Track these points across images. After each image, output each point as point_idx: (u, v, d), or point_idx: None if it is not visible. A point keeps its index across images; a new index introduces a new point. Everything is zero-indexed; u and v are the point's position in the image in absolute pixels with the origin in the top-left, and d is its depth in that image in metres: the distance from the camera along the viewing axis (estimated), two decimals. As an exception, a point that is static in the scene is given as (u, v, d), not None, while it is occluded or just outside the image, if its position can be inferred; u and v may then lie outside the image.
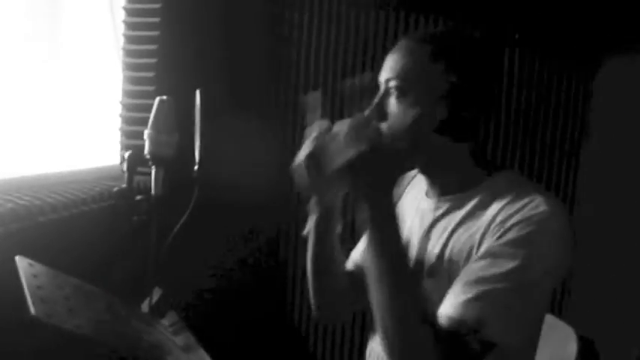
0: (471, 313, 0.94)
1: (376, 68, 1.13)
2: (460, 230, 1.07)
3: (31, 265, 1.02)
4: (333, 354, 2.05)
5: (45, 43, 2.19)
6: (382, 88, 1.11)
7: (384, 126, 1.08)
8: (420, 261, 1.12)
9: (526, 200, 1.00)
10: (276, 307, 2.06)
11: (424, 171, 1.16)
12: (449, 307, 0.96)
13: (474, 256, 1.00)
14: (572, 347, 1.17)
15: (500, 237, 0.98)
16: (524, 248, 0.95)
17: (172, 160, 1.26)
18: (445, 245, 1.08)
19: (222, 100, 1.85)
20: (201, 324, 1.27)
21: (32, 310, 0.86)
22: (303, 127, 1.11)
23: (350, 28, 1.95)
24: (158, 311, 1.25)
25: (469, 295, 0.95)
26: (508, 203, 1.01)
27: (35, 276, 0.98)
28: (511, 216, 0.99)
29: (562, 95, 1.94)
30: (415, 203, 1.23)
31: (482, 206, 1.05)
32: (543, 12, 1.86)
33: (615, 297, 1.82)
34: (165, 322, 1.21)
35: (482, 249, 0.99)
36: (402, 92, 1.07)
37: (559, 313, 1.91)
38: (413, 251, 1.14)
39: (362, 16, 1.95)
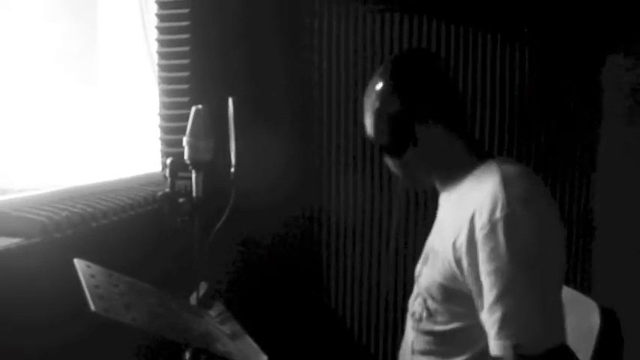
0: (505, 345, 0.94)
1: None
2: (444, 225, 1.12)
3: (88, 266, 1.05)
4: (369, 337, 2.05)
5: (84, 64, 2.25)
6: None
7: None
8: (426, 251, 1.20)
9: (484, 203, 0.99)
10: (314, 296, 2.06)
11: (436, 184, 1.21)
12: (492, 348, 0.96)
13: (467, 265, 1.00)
14: (595, 318, 1.16)
15: (471, 251, 0.99)
16: (496, 260, 0.95)
17: (210, 164, 1.28)
18: (436, 237, 1.15)
19: (248, 108, 1.87)
20: (244, 313, 1.29)
21: (92, 306, 0.89)
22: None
23: (372, 34, 1.95)
24: (205, 303, 1.27)
25: (494, 332, 0.95)
26: (474, 204, 1.01)
27: (93, 276, 1.01)
28: (473, 222, 0.99)
29: (573, 89, 1.89)
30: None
31: (462, 203, 1.07)
32: (552, 5, 1.83)
33: (636, 266, 1.80)
34: (213, 312, 1.23)
35: (480, 262, 0.98)
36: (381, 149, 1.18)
37: (580, 285, 1.89)
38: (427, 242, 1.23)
39: (385, 21, 1.94)
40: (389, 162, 1.21)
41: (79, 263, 1.03)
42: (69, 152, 1.95)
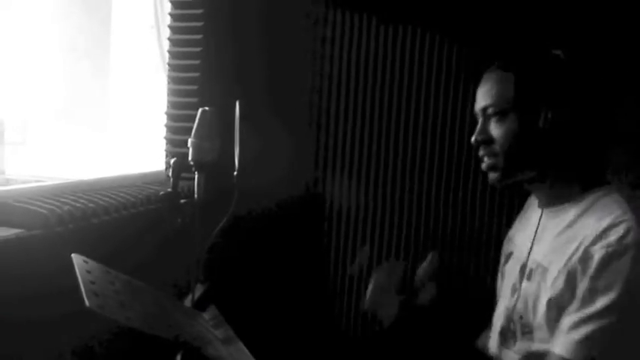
0: (580, 354, 1.00)
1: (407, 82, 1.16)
2: (554, 242, 1.15)
3: (85, 262, 1.05)
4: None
5: (97, 59, 2.27)
6: (480, 117, 1.23)
7: (495, 148, 1.19)
8: (524, 264, 1.22)
9: (612, 223, 1.04)
10: (315, 305, 2.06)
11: (532, 184, 1.24)
12: (560, 347, 1.03)
13: (576, 288, 1.05)
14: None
15: (586, 264, 1.04)
16: (614, 279, 1.00)
17: (214, 166, 1.29)
18: (543, 254, 1.17)
19: (260, 110, 1.88)
20: (239, 318, 1.29)
21: (87, 302, 0.89)
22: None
23: (384, 45, 1.96)
24: (200, 306, 1.28)
25: (576, 337, 1.02)
26: (595, 224, 1.06)
27: (89, 272, 1.02)
28: (596, 240, 1.04)
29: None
30: (527, 215, 1.34)
31: (576, 223, 1.12)
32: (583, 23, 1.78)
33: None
34: (206, 316, 1.23)
35: (578, 280, 1.05)
36: (501, 114, 1.17)
37: None
38: (522, 255, 1.25)
39: (398, 32, 1.94)
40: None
41: (76, 258, 1.04)
42: (76, 145, 1.97)
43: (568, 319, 1.04)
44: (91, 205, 1.38)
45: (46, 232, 1.22)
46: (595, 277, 1.02)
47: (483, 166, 1.24)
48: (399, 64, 1.95)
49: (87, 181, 1.61)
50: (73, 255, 1.04)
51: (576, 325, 1.02)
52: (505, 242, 1.41)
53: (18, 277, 1.10)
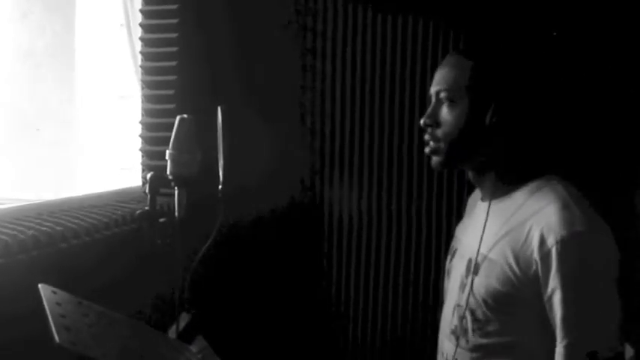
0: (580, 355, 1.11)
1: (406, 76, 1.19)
2: (500, 232, 1.25)
3: (54, 292, 1.05)
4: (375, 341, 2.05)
5: (61, 60, 2.27)
6: (433, 99, 1.33)
7: (438, 131, 1.30)
8: (470, 259, 1.31)
9: (559, 213, 1.16)
10: (314, 330, 2.06)
11: (476, 174, 1.36)
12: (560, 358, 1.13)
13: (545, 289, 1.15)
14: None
15: (545, 260, 1.14)
16: (573, 269, 1.12)
17: (195, 181, 1.29)
18: (488, 247, 1.26)
19: (246, 115, 1.89)
20: (230, 349, 1.29)
21: (57, 338, 0.89)
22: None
23: (382, 37, 1.97)
24: (186, 337, 1.28)
25: (565, 343, 1.12)
26: (542, 215, 1.18)
27: (58, 304, 1.02)
28: (548, 233, 1.15)
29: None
30: (471, 210, 1.48)
31: (518, 211, 1.24)
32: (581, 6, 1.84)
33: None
34: (194, 348, 1.23)
35: (541, 278, 1.15)
36: (453, 101, 1.28)
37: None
38: (467, 251, 1.35)
39: (395, 24, 1.96)
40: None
41: (43, 289, 1.04)
42: (40, 163, 1.97)
43: (555, 324, 1.14)
44: (58, 228, 1.38)
45: (8, 260, 1.21)
46: (557, 274, 1.13)
47: (427, 149, 1.35)
48: (400, 59, 1.96)
49: (53, 202, 1.61)
50: (40, 285, 1.05)
51: (562, 329, 1.13)
52: (452, 240, 1.51)
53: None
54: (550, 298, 1.14)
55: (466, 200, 1.58)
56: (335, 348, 2.05)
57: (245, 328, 1.94)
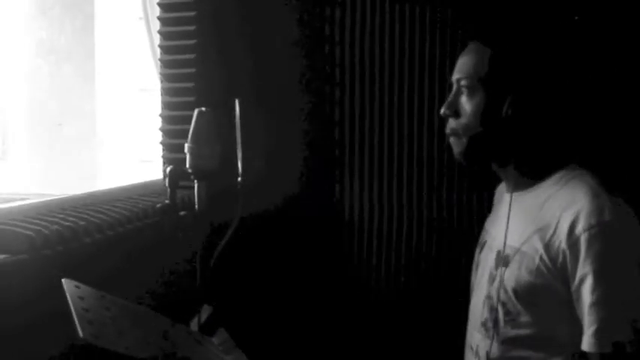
0: (607, 342, 1.11)
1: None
2: (529, 225, 1.24)
3: (77, 287, 1.07)
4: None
5: (81, 55, 2.29)
6: (454, 87, 1.32)
7: (457, 122, 1.30)
8: (499, 251, 1.31)
9: (588, 203, 1.15)
10: (333, 325, 2.07)
11: (499, 166, 1.35)
12: (589, 346, 1.13)
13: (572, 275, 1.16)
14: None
15: (575, 250, 1.14)
16: (603, 259, 1.12)
17: (215, 173, 1.30)
18: (519, 239, 1.25)
19: (265, 107, 1.89)
20: (252, 342, 1.30)
21: (80, 332, 0.91)
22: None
23: (399, 26, 1.96)
24: (207, 330, 1.29)
25: (591, 330, 1.12)
26: (572, 205, 1.17)
27: (82, 298, 1.04)
28: (575, 223, 1.14)
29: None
30: (498, 203, 1.48)
31: (547, 202, 1.24)
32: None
33: None
34: (215, 340, 1.25)
35: (569, 267, 1.15)
36: (471, 90, 1.27)
37: None
38: (495, 243, 1.35)
39: (413, 12, 1.94)
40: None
41: (67, 283, 1.06)
42: (62, 158, 1.99)
43: (582, 313, 1.14)
44: (81, 223, 1.40)
45: (33, 255, 1.23)
46: (586, 263, 1.12)
47: (450, 140, 1.34)
48: (419, 49, 1.95)
49: (76, 197, 1.63)
50: (63, 280, 1.06)
51: (590, 317, 1.12)
52: (481, 233, 1.51)
53: (3, 307, 1.12)
54: (578, 286, 1.14)
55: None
56: (357, 342, 2.05)
57: (266, 321, 1.96)
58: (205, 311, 1.33)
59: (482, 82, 1.26)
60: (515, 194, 1.33)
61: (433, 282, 1.99)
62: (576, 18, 1.82)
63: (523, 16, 1.80)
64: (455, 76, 1.32)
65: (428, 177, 1.97)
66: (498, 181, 1.48)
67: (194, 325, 1.31)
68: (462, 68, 1.30)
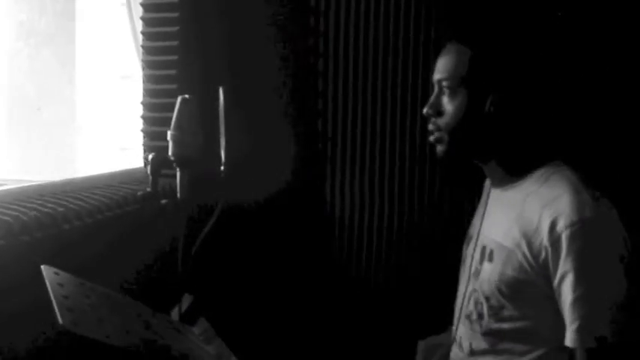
0: (589, 337, 1.12)
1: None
2: (513, 221, 1.26)
3: (56, 273, 1.06)
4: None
5: (62, 39, 2.26)
6: (436, 87, 1.34)
7: (440, 121, 1.31)
8: (484, 246, 1.34)
9: (569, 200, 1.17)
10: (315, 318, 2.07)
11: (482, 163, 1.38)
12: (572, 342, 1.14)
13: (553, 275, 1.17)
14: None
15: (556, 247, 1.15)
16: (584, 255, 1.13)
17: (197, 162, 1.30)
18: (503, 235, 1.28)
19: (249, 96, 1.88)
20: (232, 331, 1.30)
21: (60, 319, 0.90)
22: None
23: (388, 17, 1.95)
24: (188, 319, 1.29)
25: (575, 326, 1.13)
26: (553, 201, 1.19)
27: (61, 285, 1.03)
28: (557, 219, 1.16)
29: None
30: (484, 198, 1.48)
31: (529, 198, 1.25)
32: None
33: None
34: (196, 330, 1.24)
35: (551, 264, 1.17)
36: (453, 90, 1.29)
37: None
38: (480, 238, 1.37)
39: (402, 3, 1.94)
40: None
41: (46, 270, 1.05)
42: (41, 143, 1.97)
43: (564, 309, 1.16)
44: (60, 209, 1.38)
45: (11, 241, 1.21)
46: (567, 259, 1.14)
47: (431, 138, 1.36)
48: (402, 46, 1.94)
49: (55, 183, 1.61)
50: (42, 267, 1.05)
51: (572, 313, 1.14)
52: (469, 228, 1.54)
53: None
54: (559, 283, 1.16)
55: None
56: (339, 333, 2.05)
57: (247, 311, 1.95)
58: (186, 300, 1.32)
59: (464, 82, 1.28)
60: (497, 190, 1.36)
61: (421, 276, 1.99)
62: (559, 14, 1.83)
63: (501, 14, 1.80)
64: (436, 77, 1.34)
65: (417, 170, 1.97)
66: (485, 176, 1.50)
67: (175, 315, 1.30)
68: (442, 69, 1.32)
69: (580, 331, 1.13)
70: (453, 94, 1.29)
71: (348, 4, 1.97)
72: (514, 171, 1.32)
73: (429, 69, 1.89)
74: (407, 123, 1.96)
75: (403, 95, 1.95)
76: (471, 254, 1.41)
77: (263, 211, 1.99)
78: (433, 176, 1.96)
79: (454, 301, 1.48)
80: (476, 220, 1.49)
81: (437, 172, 1.95)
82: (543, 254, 1.17)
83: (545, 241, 1.17)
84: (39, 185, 1.57)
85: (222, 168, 1.33)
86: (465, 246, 1.50)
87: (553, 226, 1.16)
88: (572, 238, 1.13)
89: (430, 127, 1.35)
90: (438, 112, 1.32)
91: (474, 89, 1.27)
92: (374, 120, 1.98)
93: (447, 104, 1.30)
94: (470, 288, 1.36)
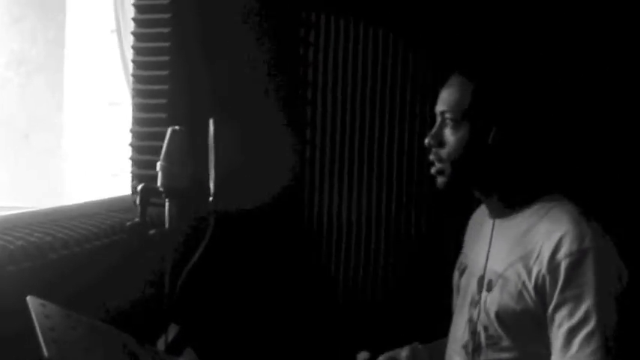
0: None
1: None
2: (513, 252, 1.27)
3: (43, 305, 1.05)
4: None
5: (52, 66, 2.27)
6: (438, 119, 1.35)
7: (442, 152, 1.32)
8: (482, 276, 1.34)
9: (569, 230, 1.18)
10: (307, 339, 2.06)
11: (482, 194, 1.39)
12: None
13: (548, 301, 1.19)
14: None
15: (554, 275, 1.17)
16: (583, 285, 1.15)
17: (186, 192, 1.30)
18: (502, 265, 1.28)
19: (238, 126, 1.89)
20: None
21: (45, 352, 0.89)
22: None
23: (374, 50, 1.99)
24: (174, 349, 1.28)
25: (569, 353, 1.14)
26: (552, 233, 1.20)
27: (47, 317, 1.02)
28: (557, 250, 1.17)
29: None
30: (478, 228, 1.47)
31: (530, 230, 1.27)
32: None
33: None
34: (182, 361, 1.24)
35: (548, 292, 1.18)
36: (456, 122, 1.30)
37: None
38: (477, 268, 1.37)
39: (388, 38, 1.97)
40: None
41: (32, 301, 1.04)
42: (28, 171, 1.96)
43: (557, 336, 1.17)
44: (47, 238, 1.37)
45: (-3, 271, 1.21)
46: (565, 288, 1.16)
47: (432, 169, 1.37)
48: (392, 70, 1.98)
49: (42, 212, 1.60)
50: (28, 298, 1.04)
51: (565, 342, 1.15)
52: (459, 257, 1.54)
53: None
54: (554, 311, 1.17)
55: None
56: (327, 348, 2.05)
57: (234, 341, 1.94)
58: (172, 330, 1.32)
59: (467, 115, 1.29)
60: (497, 221, 1.37)
61: (406, 283, 2.00)
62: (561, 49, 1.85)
63: (504, 48, 1.84)
64: (439, 109, 1.35)
65: (404, 179, 2.00)
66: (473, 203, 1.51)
67: (161, 345, 1.30)
68: (445, 101, 1.33)
69: (574, 358, 1.13)
70: (455, 126, 1.30)
71: (337, 36, 2.00)
72: (514, 203, 1.33)
73: (417, 81, 1.95)
74: (395, 133, 1.99)
75: (392, 105, 1.99)
76: (466, 284, 1.41)
77: (252, 237, 1.99)
78: (417, 184, 1.99)
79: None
80: (467, 250, 1.50)
81: (422, 180, 1.98)
82: (541, 282, 1.18)
83: (544, 269, 1.18)
84: (26, 213, 1.56)
85: (210, 199, 1.33)
86: (456, 275, 1.50)
87: (554, 254, 1.17)
88: (571, 267, 1.15)
89: (431, 157, 1.36)
90: (440, 143, 1.33)
91: (476, 122, 1.28)
92: (362, 131, 2.01)
93: (450, 136, 1.31)
94: (466, 318, 1.36)
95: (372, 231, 2.04)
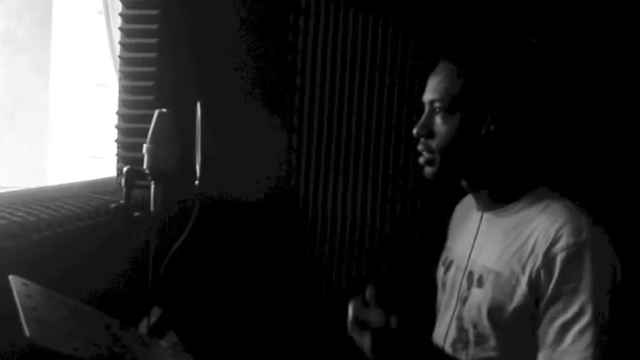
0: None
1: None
2: (505, 245, 1.24)
3: (25, 284, 1.05)
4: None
5: (38, 46, 2.25)
6: (427, 108, 1.30)
7: (432, 143, 1.28)
8: (471, 272, 1.31)
9: (565, 224, 1.16)
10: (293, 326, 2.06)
11: (470, 185, 1.35)
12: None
13: (543, 298, 1.16)
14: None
15: (550, 269, 1.14)
16: (579, 279, 1.12)
17: (172, 175, 1.29)
18: (494, 260, 1.25)
19: (225, 110, 1.89)
20: (201, 346, 1.29)
21: (27, 332, 0.89)
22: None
23: (364, 35, 1.98)
24: (157, 332, 1.28)
25: (561, 348, 1.13)
26: (548, 228, 1.17)
27: (29, 296, 1.01)
28: (553, 243, 1.15)
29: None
30: (464, 220, 1.44)
31: (524, 224, 1.23)
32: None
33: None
34: (164, 343, 1.24)
35: (543, 286, 1.16)
36: (447, 111, 1.26)
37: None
38: (463, 262, 1.34)
39: (378, 22, 1.97)
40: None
41: (14, 281, 1.03)
42: (12, 151, 1.95)
43: (548, 330, 1.15)
44: (31, 218, 1.37)
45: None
46: (561, 281, 1.14)
47: (420, 159, 1.32)
48: (382, 59, 1.97)
49: (26, 192, 1.59)
50: (10, 277, 1.04)
51: (557, 335, 1.13)
52: (444, 251, 1.50)
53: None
54: (548, 304, 1.15)
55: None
56: (314, 346, 2.05)
57: (217, 325, 1.94)
58: (155, 313, 1.31)
59: (457, 103, 1.24)
60: (485, 214, 1.33)
61: (393, 271, 2.01)
62: (533, 40, 1.86)
63: (493, 32, 1.82)
64: (427, 97, 1.30)
65: (393, 170, 2.00)
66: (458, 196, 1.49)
67: (143, 327, 1.29)
68: (434, 89, 1.28)
69: (566, 352, 1.12)
70: (446, 115, 1.25)
71: (327, 21, 1.99)
72: (505, 196, 1.29)
73: (403, 83, 1.94)
74: (382, 124, 1.99)
75: (380, 96, 1.99)
76: (453, 280, 1.38)
77: (238, 219, 1.99)
78: (408, 176, 2.00)
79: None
80: (452, 244, 1.46)
81: (411, 172, 1.99)
82: (535, 275, 1.16)
83: (539, 264, 1.15)
84: (10, 193, 1.55)
85: (196, 182, 1.32)
86: (441, 270, 1.45)
87: (549, 248, 1.15)
88: (568, 260, 1.13)
89: (420, 147, 1.31)
90: (429, 134, 1.28)
91: (468, 110, 1.24)
92: (349, 123, 2.01)
93: (440, 125, 1.26)
94: (454, 315, 1.33)
95: (357, 219, 2.04)
